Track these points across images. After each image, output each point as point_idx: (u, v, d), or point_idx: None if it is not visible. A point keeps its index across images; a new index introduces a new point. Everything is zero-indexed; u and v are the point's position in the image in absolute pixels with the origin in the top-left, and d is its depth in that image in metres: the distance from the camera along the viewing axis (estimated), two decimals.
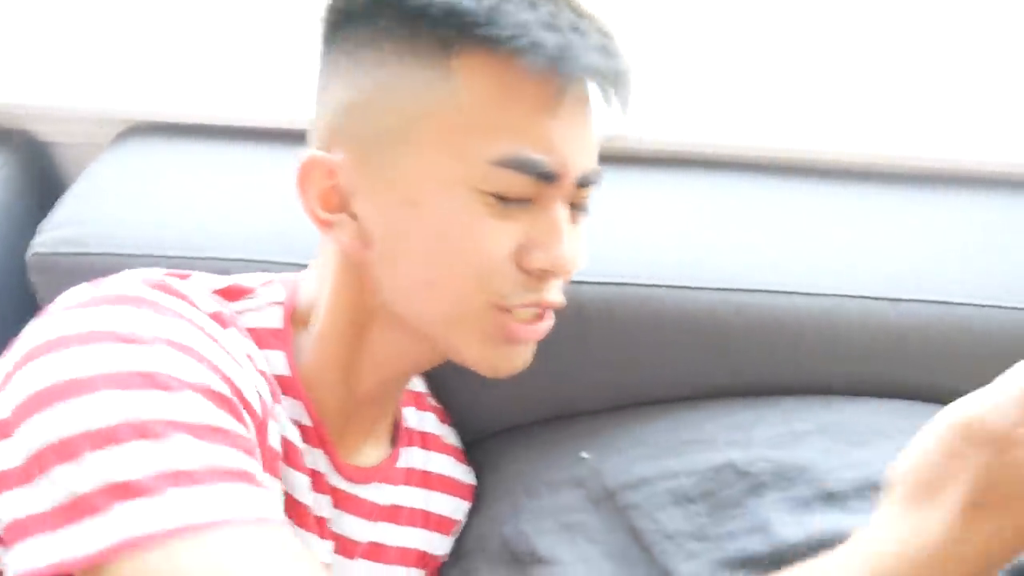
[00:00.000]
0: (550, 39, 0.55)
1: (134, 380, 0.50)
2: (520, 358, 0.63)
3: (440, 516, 0.77)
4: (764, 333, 0.78)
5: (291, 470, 0.61)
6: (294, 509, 0.62)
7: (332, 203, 0.60)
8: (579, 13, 0.59)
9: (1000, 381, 0.49)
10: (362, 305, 0.63)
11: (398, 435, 0.74)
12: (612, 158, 0.91)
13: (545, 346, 0.79)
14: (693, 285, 0.79)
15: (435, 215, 0.58)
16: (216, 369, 0.54)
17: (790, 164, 0.92)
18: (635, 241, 0.82)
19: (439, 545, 0.77)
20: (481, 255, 0.58)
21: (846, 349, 0.78)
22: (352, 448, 0.69)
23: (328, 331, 0.64)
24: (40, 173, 1.02)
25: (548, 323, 0.63)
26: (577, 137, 0.60)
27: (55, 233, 0.85)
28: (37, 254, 0.84)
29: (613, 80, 0.59)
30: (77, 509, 0.47)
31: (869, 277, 0.80)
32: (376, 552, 0.71)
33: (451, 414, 0.84)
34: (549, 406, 0.84)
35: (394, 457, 0.73)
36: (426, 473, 0.76)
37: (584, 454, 0.77)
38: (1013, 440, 0.46)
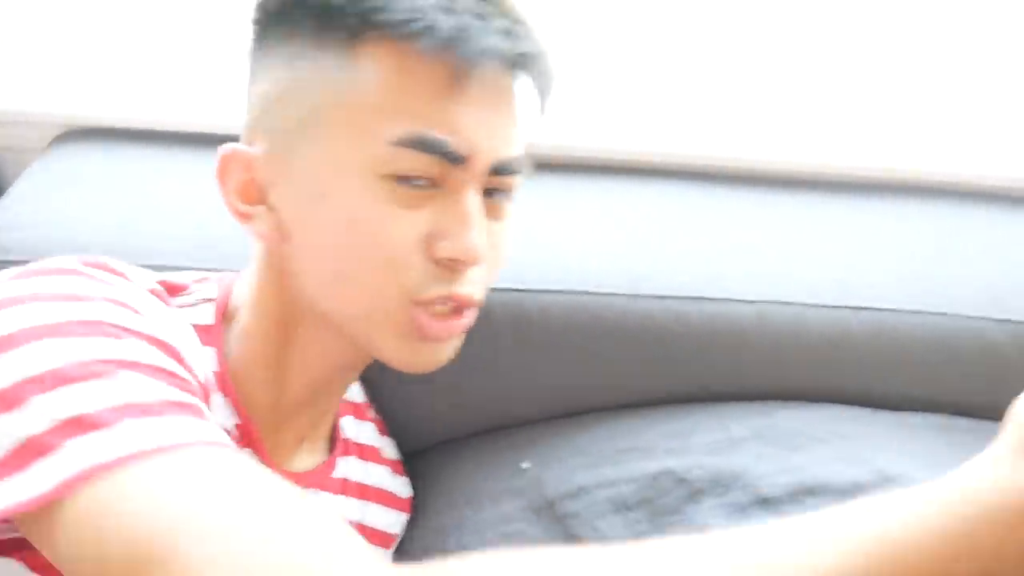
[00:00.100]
0: (445, 21, 0.56)
1: (77, 328, 0.49)
2: (438, 355, 0.62)
3: (375, 529, 0.76)
4: (702, 340, 0.79)
5: None
6: None
7: (251, 196, 0.61)
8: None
9: None
10: (286, 300, 0.63)
11: (335, 444, 0.74)
12: (554, 166, 0.93)
13: (484, 354, 0.79)
14: (632, 293, 0.79)
15: (342, 204, 0.58)
16: (159, 327, 0.54)
17: (730, 173, 0.93)
18: (575, 249, 0.83)
19: None
20: (388, 243, 0.58)
21: (782, 355, 0.79)
22: (285, 454, 0.68)
23: (253, 327, 0.63)
24: None
25: (465, 320, 0.62)
26: (487, 122, 0.59)
27: None
28: None
29: (519, 63, 0.59)
30: (29, 452, 0.45)
31: (804, 284, 0.81)
32: None
33: (391, 425, 0.83)
34: (489, 416, 0.83)
35: (330, 465, 0.72)
36: (363, 485, 0.76)
37: (524, 464, 0.77)
38: None
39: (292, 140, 0.59)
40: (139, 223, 0.84)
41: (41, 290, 0.51)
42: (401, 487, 0.80)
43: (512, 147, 0.61)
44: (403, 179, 0.57)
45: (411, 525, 0.80)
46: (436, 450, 0.85)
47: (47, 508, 0.45)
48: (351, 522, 0.74)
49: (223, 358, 0.63)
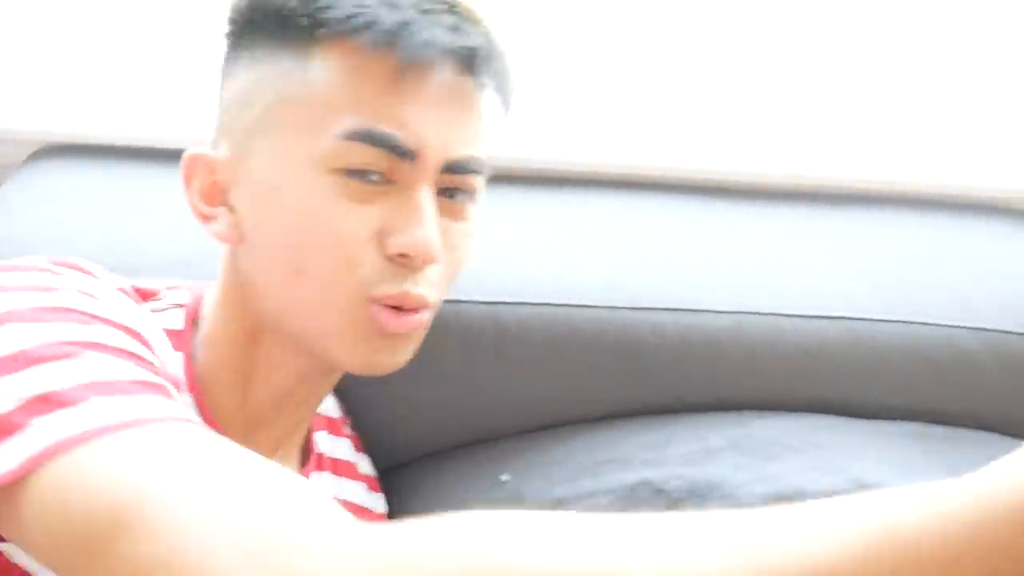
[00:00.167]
0: (388, 16, 0.57)
1: (45, 315, 0.49)
2: (395, 355, 0.62)
3: None
4: (678, 351, 0.79)
5: None
6: None
7: (214, 198, 0.62)
8: None
9: None
10: (245, 307, 0.63)
11: (308, 458, 0.73)
12: (529, 179, 0.93)
13: (463, 368, 0.79)
14: (609, 305, 0.80)
15: (293, 197, 0.58)
16: (129, 317, 0.54)
17: (706, 185, 0.94)
18: (552, 262, 0.83)
19: None
20: (341, 237, 0.58)
21: (758, 365, 0.80)
22: None
23: (218, 332, 0.64)
24: None
25: (421, 316, 0.61)
26: (438, 118, 0.59)
27: None
28: None
29: (467, 57, 0.59)
30: None
31: (780, 294, 0.82)
32: None
33: (370, 440, 0.83)
34: (469, 429, 0.83)
35: None
36: (336, 500, 0.75)
37: (504, 476, 0.77)
38: None
39: (249, 140, 0.60)
40: (115, 239, 0.83)
41: (8, 283, 0.52)
42: (376, 503, 0.80)
43: (468, 146, 0.61)
44: (354, 173, 0.58)
45: None
46: (416, 464, 0.85)
47: (14, 486, 0.44)
48: None
49: (191, 363, 0.63)
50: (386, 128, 0.57)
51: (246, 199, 0.61)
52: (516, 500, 0.74)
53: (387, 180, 0.59)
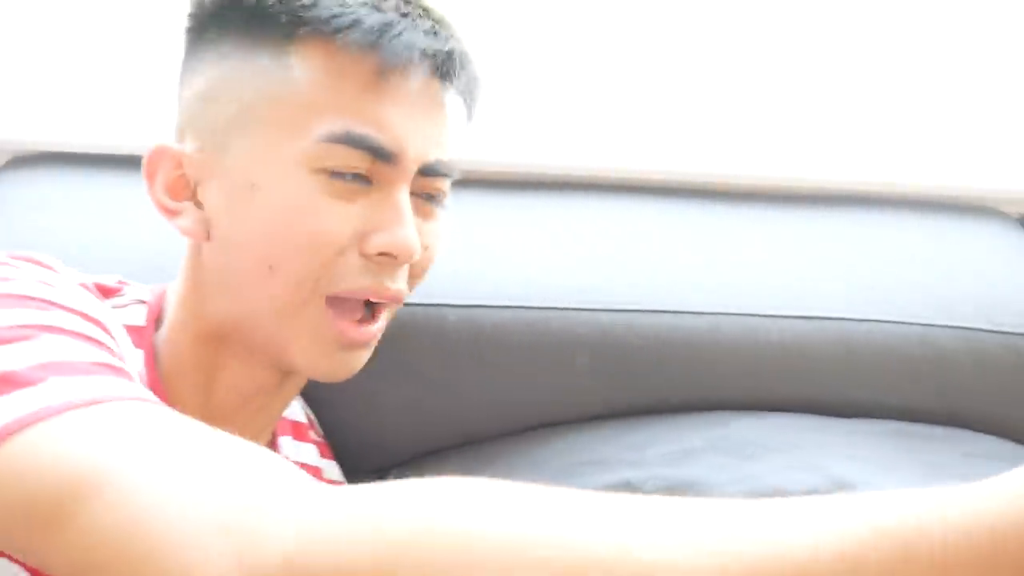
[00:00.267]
0: (371, 18, 0.58)
1: (1, 301, 0.49)
2: (353, 362, 0.63)
3: None
4: (656, 353, 0.80)
5: None
6: None
7: (180, 193, 0.61)
8: (408, 1, 0.61)
9: None
10: (205, 305, 0.62)
11: None
12: (504, 182, 0.94)
13: (441, 372, 0.79)
14: (587, 307, 0.80)
15: (274, 196, 0.58)
16: (90, 306, 0.53)
17: (682, 187, 0.95)
18: (529, 265, 0.83)
19: None
20: (322, 235, 0.58)
21: (736, 366, 0.80)
22: None
23: (179, 333, 0.63)
24: None
25: (379, 324, 0.63)
26: (416, 121, 0.60)
27: None
28: None
29: (444, 62, 0.60)
30: None
31: (757, 295, 0.82)
32: None
33: (351, 445, 0.83)
34: (447, 434, 0.83)
35: None
36: None
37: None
38: None
39: (223, 137, 0.60)
40: (90, 248, 0.83)
41: None
42: None
43: (441, 149, 0.62)
44: (336, 174, 0.59)
45: None
46: (396, 470, 0.84)
47: None
48: None
49: (152, 361, 0.62)
50: (367, 130, 0.58)
51: (219, 195, 0.60)
52: None
53: (366, 180, 0.59)
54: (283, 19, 0.58)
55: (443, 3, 0.64)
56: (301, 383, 0.68)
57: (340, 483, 0.81)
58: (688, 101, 1.00)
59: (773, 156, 0.97)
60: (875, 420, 0.81)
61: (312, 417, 0.81)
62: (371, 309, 0.62)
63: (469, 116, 0.65)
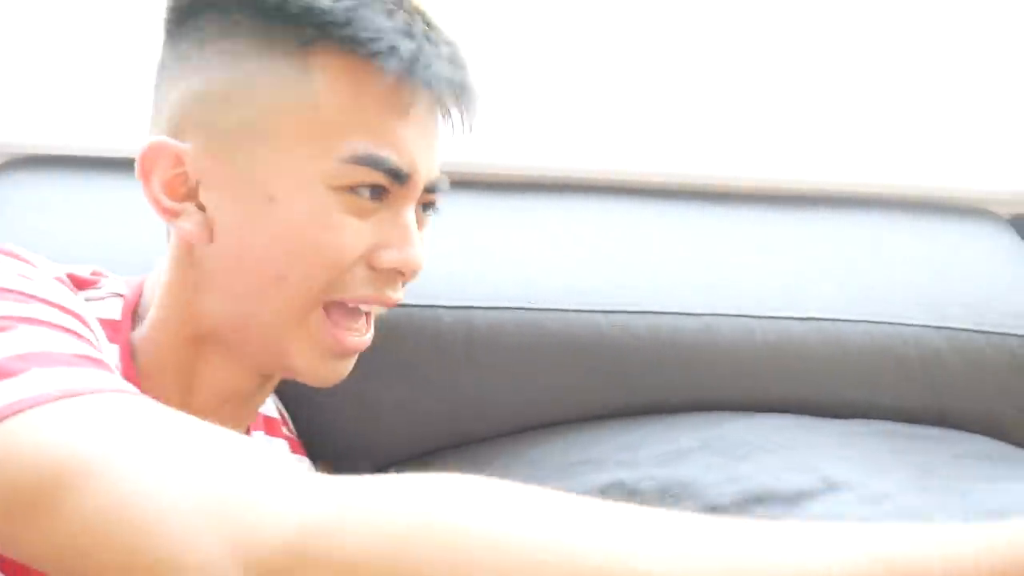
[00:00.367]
0: (406, 45, 0.58)
1: None
2: (345, 368, 0.64)
3: None
4: (650, 353, 0.80)
5: None
6: None
7: (178, 192, 0.60)
8: (429, 23, 0.61)
9: None
10: (195, 305, 0.62)
11: None
12: (499, 184, 0.94)
13: (436, 373, 0.80)
14: (580, 308, 0.80)
15: (292, 211, 0.58)
16: (67, 300, 0.53)
17: (676, 189, 0.95)
18: (523, 266, 0.83)
19: None
20: (337, 251, 0.59)
21: (728, 366, 0.81)
22: None
23: (160, 330, 0.62)
24: None
25: (371, 334, 0.64)
26: (426, 143, 0.62)
27: None
28: None
29: (460, 90, 0.61)
30: None
31: (750, 296, 0.83)
32: None
33: (346, 445, 0.83)
34: (442, 435, 0.84)
35: None
36: None
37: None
38: None
39: (234, 141, 0.59)
40: (84, 250, 0.83)
41: None
42: None
43: (438, 166, 0.65)
44: (353, 190, 0.59)
45: None
46: (392, 470, 0.84)
47: None
48: None
49: (128, 358, 0.61)
50: (388, 153, 0.59)
51: (228, 201, 0.59)
52: None
53: (379, 198, 0.61)
54: (308, 31, 0.57)
55: (445, 3, 0.64)
56: (277, 380, 0.69)
57: None
58: (682, 103, 1.00)
59: (766, 158, 0.98)
60: (867, 420, 0.82)
61: (284, 413, 0.81)
62: (364, 317, 0.64)
63: (470, 130, 0.65)
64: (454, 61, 0.61)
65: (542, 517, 0.40)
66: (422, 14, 0.61)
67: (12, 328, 0.47)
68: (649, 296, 0.82)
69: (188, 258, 0.61)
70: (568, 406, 0.81)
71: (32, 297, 0.51)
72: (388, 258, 0.61)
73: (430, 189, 0.64)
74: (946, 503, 0.69)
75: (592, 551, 0.39)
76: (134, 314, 0.63)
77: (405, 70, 0.58)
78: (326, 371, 0.63)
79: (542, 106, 0.98)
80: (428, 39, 0.59)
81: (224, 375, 0.64)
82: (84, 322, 0.53)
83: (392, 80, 0.58)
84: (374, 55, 0.57)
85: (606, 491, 0.72)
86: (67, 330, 0.50)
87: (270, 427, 0.77)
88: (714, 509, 0.69)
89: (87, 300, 0.61)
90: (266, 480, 0.42)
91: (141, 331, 0.62)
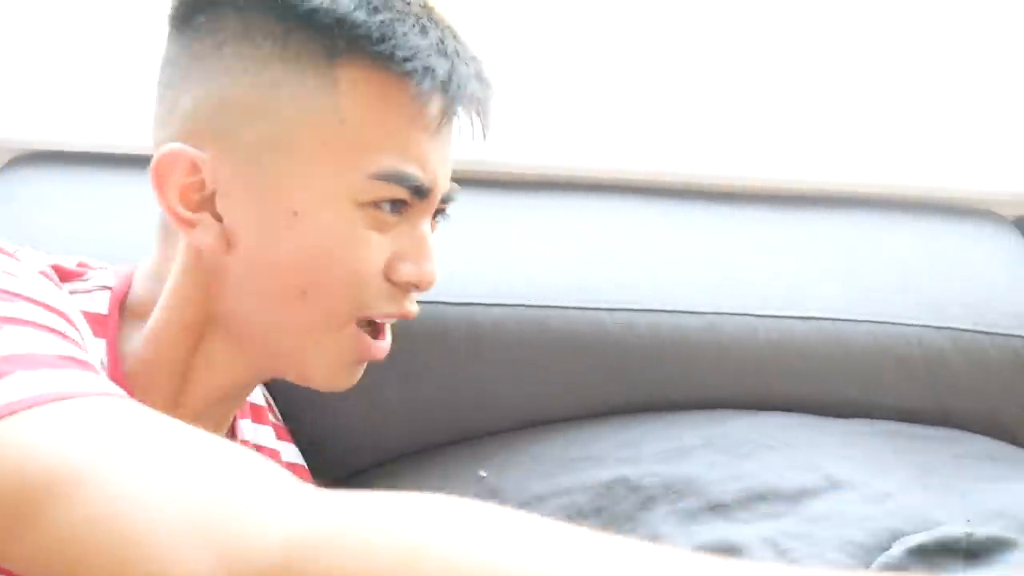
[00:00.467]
0: (441, 66, 0.58)
1: None
2: (358, 375, 0.65)
3: None
4: (653, 351, 0.80)
5: None
6: None
7: (191, 200, 0.58)
8: (458, 40, 0.61)
9: None
10: (203, 308, 0.61)
11: None
12: (503, 182, 0.94)
13: (440, 368, 0.80)
14: (584, 305, 0.81)
15: (316, 226, 0.58)
16: (52, 297, 0.52)
17: (679, 188, 0.95)
18: (527, 263, 0.84)
19: None
20: (359, 266, 0.59)
21: (732, 365, 0.81)
22: None
23: (162, 331, 0.61)
24: None
25: (389, 341, 0.65)
26: (444, 156, 0.63)
27: None
28: None
29: (484, 106, 0.62)
30: None
31: (753, 295, 0.83)
32: None
33: (350, 442, 0.83)
34: (445, 430, 0.84)
35: None
36: None
37: (482, 472, 0.78)
38: None
39: (256, 152, 0.57)
40: (88, 246, 0.82)
41: None
42: None
43: (449, 176, 0.65)
44: (376, 205, 0.59)
45: None
46: (395, 463, 0.85)
47: None
48: None
49: (115, 353, 0.60)
50: (413, 169, 0.59)
51: (249, 213, 0.58)
52: (494, 496, 0.75)
53: (399, 212, 0.61)
54: (339, 43, 0.56)
55: (447, 3, 0.64)
56: (267, 378, 0.69)
57: (298, 465, 0.80)
58: (685, 102, 1.00)
59: (770, 158, 0.98)
60: (870, 420, 0.82)
61: (270, 399, 0.81)
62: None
63: (484, 137, 0.65)
64: (481, 78, 0.61)
65: (535, 548, 0.39)
66: (451, 29, 0.61)
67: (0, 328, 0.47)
68: (652, 294, 0.82)
69: (198, 264, 0.60)
70: (571, 403, 0.82)
71: (16, 295, 0.50)
72: (406, 272, 0.61)
73: (444, 199, 0.64)
74: (947, 503, 0.69)
75: None
76: (122, 306, 0.62)
77: (439, 90, 0.58)
78: (342, 379, 0.64)
79: (546, 105, 0.99)
80: (459, 55, 0.59)
81: (222, 376, 0.63)
82: (69, 320, 0.52)
83: (424, 99, 0.58)
84: (409, 74, 0.57)
85: (610, 487, 0.72)
86: (52, 330, 0.49)
87: (256, 414, 0.77)
88: (717, 506, 0.69)
89: (72, 293, 0.59)
90: (257, 490, 0.42)
91: (137, 327, 0.61)
